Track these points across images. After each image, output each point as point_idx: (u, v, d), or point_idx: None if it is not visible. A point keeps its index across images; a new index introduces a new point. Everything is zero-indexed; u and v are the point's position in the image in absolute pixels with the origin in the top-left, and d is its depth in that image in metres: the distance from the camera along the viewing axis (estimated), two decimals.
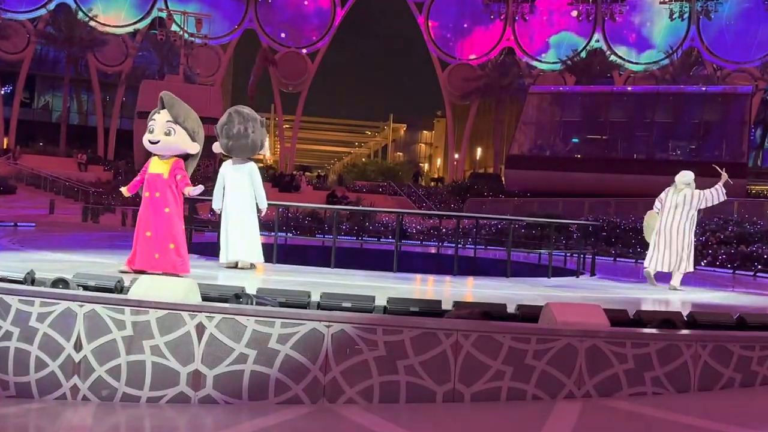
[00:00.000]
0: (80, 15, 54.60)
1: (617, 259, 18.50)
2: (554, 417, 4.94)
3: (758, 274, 15.72)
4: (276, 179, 44.67)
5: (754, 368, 5.93)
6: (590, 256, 13.84)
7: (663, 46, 54.04)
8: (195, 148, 8.06)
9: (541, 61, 57.84)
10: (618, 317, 6.24)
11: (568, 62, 54.29)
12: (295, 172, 52.58)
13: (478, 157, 71.91)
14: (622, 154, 40.40)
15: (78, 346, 5.01)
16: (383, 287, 8.43)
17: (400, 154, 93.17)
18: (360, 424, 4.66)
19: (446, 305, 6.35)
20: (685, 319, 6.65)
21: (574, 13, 56.94)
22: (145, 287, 5.42)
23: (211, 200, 10.23)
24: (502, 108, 58.02)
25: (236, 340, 5.02)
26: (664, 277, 11.47)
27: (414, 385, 5.14)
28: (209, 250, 11.63)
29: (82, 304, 5.06)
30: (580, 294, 9.59)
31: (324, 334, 5.06)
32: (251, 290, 6.13)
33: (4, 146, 52.61)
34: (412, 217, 25.55)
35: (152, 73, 53.00)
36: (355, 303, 6.12)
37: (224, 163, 10.06)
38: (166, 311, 5.04)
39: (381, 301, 6.29)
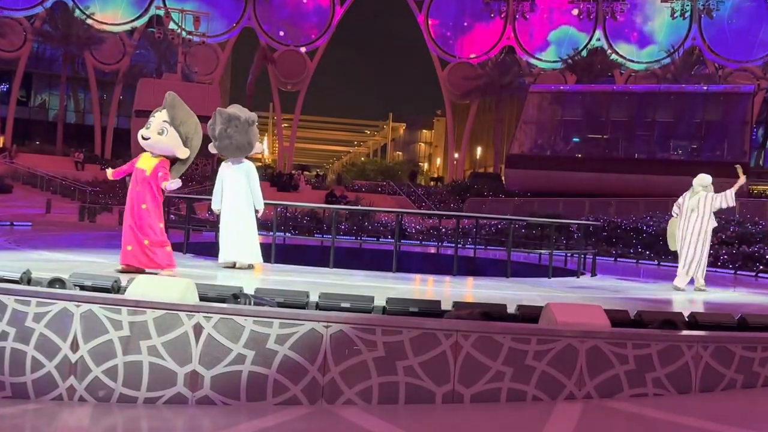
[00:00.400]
0: (77, 13, 54.59)
1: (618, 259, 18.50)
2: (555, 418, 4.94)
3: (760, 274, 15.72)
4: (274, 178, 44.65)
5: (756, 369, 5.93)
6: (591, 256, 13.84)
7: (664, 45, 54.08)
8: (185, 153, 8.10)
9: (541, 60, 57.85)
10: (619, 318, 6.24)
11: (569, 61, 54.32)
12: (293, 172, 52.57)
13: (478, 157, 71.94)
14: (623, 153, 40.42)
15: (74, 347, 5.01)
16: (382, 287, 8.43)
17: (400, 153, 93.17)
18: (359, 426, 4.66)
19: (446, 305, 6.35)
20: (686, 319, 6.65)
21: (575, 12, 56.97)
22: (142, 287, 5.41)
23: (208, 200, 10.22)
24: (502, 107, 58.06)
25: (234, 341, 5.02)
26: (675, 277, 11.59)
27: (413, 386, 5.13)
28: (207, 249, 11.62)
29: (79, 304, 5.06)
30: (580, 294, 9.59)
31: (322, 334, 5.06)
32: (249, 290, 6.13)
33: (0, 145, 52.58)
34: (411, 216, 25.55)
35: (150, 72, 52.97)
36: (353, 303, 6.12)
37: (223, 163, 10.05)
38: (164, 311, 5.03)
39: (380, 302, 6.29)
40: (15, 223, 16.81)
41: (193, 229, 13.68)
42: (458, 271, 11.52)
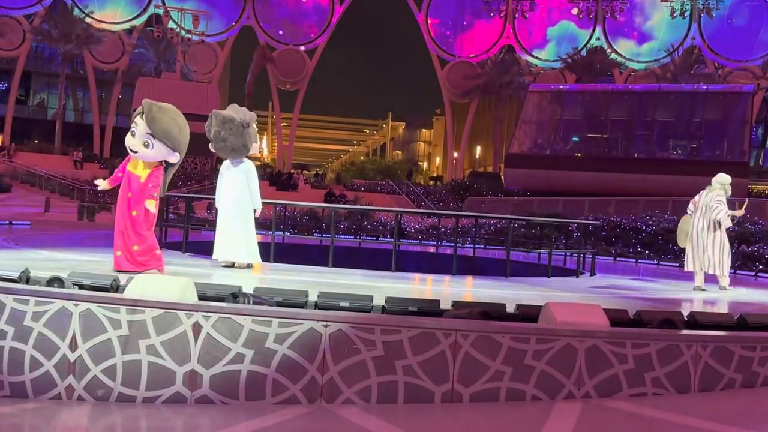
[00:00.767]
0: (76, 11, 54.59)
1: (617, 258, 18.51)
2: (554, 418, 4.94)
3: (759, 274, 15.73)
4: (273, 177, 44.65)
5: (755, 369, 5.93)
6: (590, 256, 13.84)
7: (664, 44, 54.11)
8: (176, 158, 8.06)
9: (540, 59, 57.86)
10: (618, 317, 6.24)
11: (569, 60, 54.33)
12: (292, 171, 52.58)
13: (477, 156, 71.94)
14: (623, 153, 40.43)
15: (73, 346, 5.00)
16: (381, 287, 8.43)
17: (399, 152, 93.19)
18: (358, 425, 4.66)
19: (445, 305, 6.35)
20: (686, 319, 6.65)
21: (575, 11, 57.01)
22: (141, 286, 5.41)
23: (207, 199, 10.22)
24: (501, 106, 58.08)
25: (233, 340, 5.02)
26: (688, 277, 11.62)
27: (412, 385, 5.13)
28: (206, 249, 11.61)
29: (78, 303, 5.05)
30: (579, 294, 9.59)
31: (322, 333, 5.06)
32: (248, 289, 6.13)
33: None
34: (410, 216, 25.55)
35: (149, 71, 52.97)
36: (353, 302, 6.12)
37: (223, 162, 10.04)
38: (162, 310, 5.03)
39: (379, 301, 6.29)
40: (14, 222, 16.80)
41: (191, 229, 13.67)
42: (457, 270, 11.52)
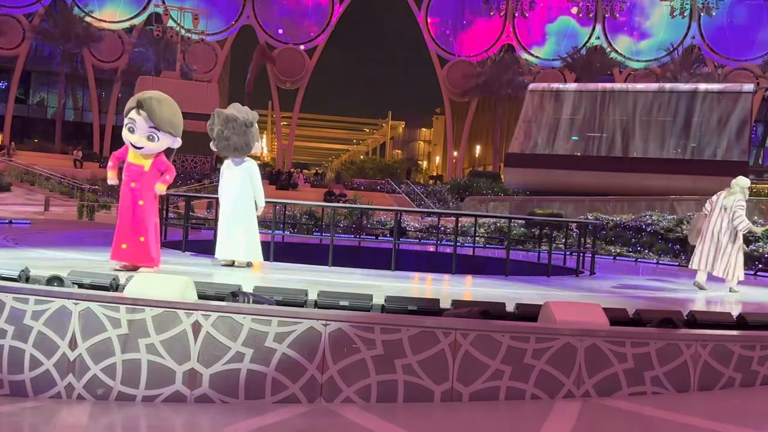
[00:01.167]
0: (76, 11, 54.58)
1: (617, 257, 18.51)
2: (553, 417, 4.94)
3: (759, 273, 15.72)
4: (273, 177, 44.65)
5: (755, 368, 5.94)
6: (590, 255, 13.84)
7: (664, 44, 54.13)
8: (178, 143, 8.03)
9: (539, 58, 57.84)
10: (617, 316, 6.24)
11: (569, 59, 54.36)
12: (292, 170, 52.56)
13: (477, 155, 71.93)
14: (622, 152, 40.40)
15: (73, 345, 5.01)
16: (381, 285, 8.43)
17: (399, 151, 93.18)
18: (357, 424, 4.66)
19: (445, 304, 6.34)
20: (685, 318, 6.65)
21: (574, 10, 57.01)
22: (141, 285, 5.41)
23: (206, 198, 10.20)
24: (501, 105, 58.08)
25: (233, 339, 5.02)
26: (690, 275, 11.61)
27: (412, 384, 5.14)
28: (205, 247, 11.61)
29: (77, 302, 5.06)
30: (579, 293, 9.59)
31: (321, 332, 5.06)
32: (248, 288, 6.12)
33: None
34: (410, 215, 25.54)
35: (148, 70, 52.96)
36: (352, 301, 6.11)
37: (224, 162, 10.03)
38: (162, 309, 5.03)
39: (379, 300, 6.28)
40: (13, 221, 16.78)
41: (191, 227, 13.67)
42: (457, 269, 11.51)
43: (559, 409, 5.12)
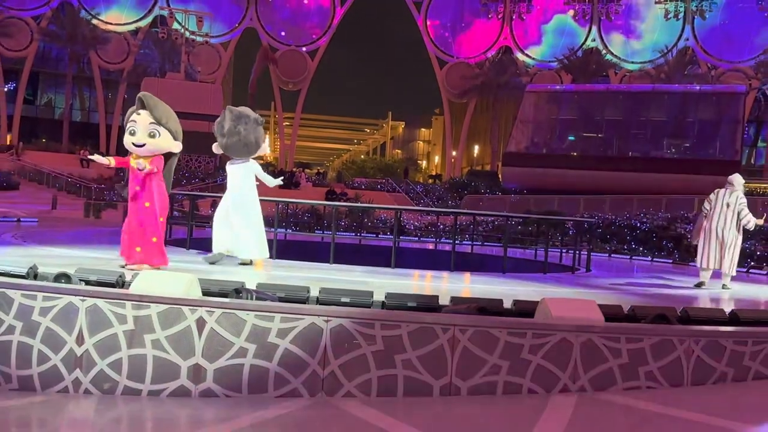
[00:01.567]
0: (83, 13, 54.59)
1: (612, 255, 18.51)
2: (550, 410, 4.94)
3: (751, 270, 15.73)
4: (276, 176, 44.63)
5: (747, 363, 5.94)
6: (585, 253, 13.84)
7: (658, 46, 54.11)
8: (178, 146, 8.02)
9: (536, 59, 57.81)
10: (612, 312, 6.24)
11: (565, 61, 54.34)
12: (294, 169, 52.54)
13: (475, 155, 71.89)
14: (618, 152, 40.42)
15: (80, 340, 5.01)
16: (381, 283, 8.43)
17: (399, 151, 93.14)
18: (358, 417, 4.66)
19: (443, 300, 6.35)
20: (679, 314, 6.66)
21: (571, 13, 56.99)
22: (146, 282, 5.41)
23: (211, 197, 10.17)
24: (499, 106, 58.03)
25: (236, 335, 5.02)
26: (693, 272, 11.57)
27: (411, 379, 5.14)
28: (209, 246, 11.59)
29: (84, 298, 5.06)
30: (575, 290, 9.59)
31: (323, 328, 5.06)
32: (251, 285, 6.13)
33: (8, 142, 52.59)
34: (410, 213, 25.53)
35: (154, 71, 52.95)
36: (353, 298, 6.12)
37: (228, 163, 10.02)
38: (167, 306, 5.04)
39: (379, 297, 6.29)
40: (22, 219, 16.79)
41: (195, 226, 13.67)
42: (456, 266, 11.51)
43: (556, 403, 5.12)
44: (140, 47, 56.89)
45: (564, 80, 54.08)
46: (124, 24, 57.21)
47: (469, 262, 14.04)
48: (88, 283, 5.93)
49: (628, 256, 18.22)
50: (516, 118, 45.10)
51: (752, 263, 16.09)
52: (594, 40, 56.60)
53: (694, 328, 6.04)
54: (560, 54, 55.06)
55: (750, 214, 11.22)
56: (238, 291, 5.82)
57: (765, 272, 15.27)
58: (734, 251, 11.20)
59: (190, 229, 12.70)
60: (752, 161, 54.58)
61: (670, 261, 17.12)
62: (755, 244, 17.58)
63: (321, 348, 5.05)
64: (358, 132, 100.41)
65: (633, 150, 40.45)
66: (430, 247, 17.81)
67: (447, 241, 16.41)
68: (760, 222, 11.68)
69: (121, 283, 6.15)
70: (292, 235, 16.54)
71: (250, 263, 9.77)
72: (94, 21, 54.68)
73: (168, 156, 8.09)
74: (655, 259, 17.51)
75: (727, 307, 7.37)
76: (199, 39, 51.72)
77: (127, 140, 7.87)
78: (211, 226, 10.17)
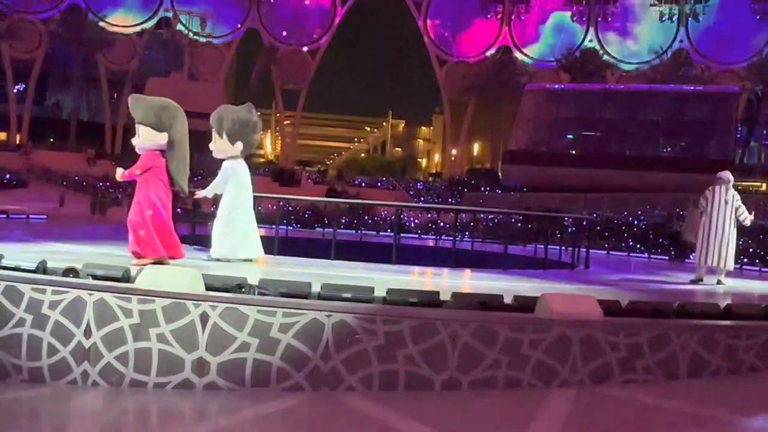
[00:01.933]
0: (90, 16, 54.64)
1: (610, 252, 18.46)
2: (549, 404, 4.94)
3: (744, 267, 15.71)
4: (277, 174, 44.61)
5: (741, 356, 5.94)
6: (585, 249, 13.82)
7: (654, 47, 54.10)
8: (163, 137, 7.87)
9: (535, 58, 57.80)
10: (611, 308, 6.22)
11: (564, 61, 54.31)
12: (295, 167, 52.51)
13: (475, 153, 71.82)
14: (616, 150, 40.38)
15: (88, 333, 5.01)
16: (382, 279, 8.40)
17: (399, 149, 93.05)
18: (359, 411, 4.66)
19: (444, 296, 6.32)
20: (675, 309, 6.64)
21: (568, 14, 57.03)
22: (151, 277, 5.41)
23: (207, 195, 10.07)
24: (498, 105, 57.96)
25: (239, 329, 5.02)
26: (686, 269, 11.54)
27: (413, 373, 5.13)
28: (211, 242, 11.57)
29: (92, 292, 5.07)
30: (574, 286, 9.58)
31: (324, 323, 5.05)
32: (253, 281, 6.12)
33: (18, 142, 52.66)
34: (410, 210, 25.48)
35: (158, 72, 52.96)
36: (354, 294, 6.09)
37: (240, 159, 9.93)
38: (172, 300, 5.04)
39: (380, 292, 6.27)
40: (31, 216, 16.78)
41: (198, 222, 13.66)
42: (456, 263, 11.49)
43: (555, 396, 5.12)
44: (145, 48, 56.87)
45: (562, 80, 54.01)
46: (130, 26, 57.20)
47: (470, 258, 14.00)
48: (95, 277, 5.92)
49: (626, 253, 18.19)
50: (516, 117, 45.08)
51: (745, 259, 16.07)
52: (591, 40, 56.58)
53: (690, 323, 6.03)
54: (558, 54, 55.02)
55: (746, 212, 11.18)
56: (241, 286, 5.81)
57: (758, 268, 15.25)
58: (732, 247, 11.16)
59: (192, 226, 12.70)
60: (745, 160, 54.55)
61: (667, 258, 17.09)
62: (748, 241, 17.55)
63: (323, 342, 5.04)
64: (358, 130, 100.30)
65: (630, 149, 40.41)
66: (431, 243, 17.79)
67: (448, 238, 16.40)
68: (751, 218, 11.66)
69: (127, 278, 6.14)
70: (294, 232, 16.52)
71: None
72: (101, 23, 54.67)
73: (164, 150, 8.00)
74: (652, 256, 17.49)
75: (722, 302, 7.36)
76: (202, 40, 51.69)
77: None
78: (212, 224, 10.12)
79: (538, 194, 33.00)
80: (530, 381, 5.30)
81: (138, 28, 57.44)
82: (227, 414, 4.63)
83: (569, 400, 5.06)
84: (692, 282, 11.15)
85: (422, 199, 41.46)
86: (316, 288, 6.21)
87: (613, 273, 12.61)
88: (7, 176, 33.68)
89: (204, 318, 5.02)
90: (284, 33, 60.46)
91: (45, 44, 55.48)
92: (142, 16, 57.33)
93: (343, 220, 19.60)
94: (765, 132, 54.68)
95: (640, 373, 5.56)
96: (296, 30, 60.49)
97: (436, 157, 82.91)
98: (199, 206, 14.96)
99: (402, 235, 15.02)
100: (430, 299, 6.21)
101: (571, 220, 16.74)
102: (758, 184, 43.28)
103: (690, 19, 54.10)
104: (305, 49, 60.64)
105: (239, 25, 59.48)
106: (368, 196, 37.06)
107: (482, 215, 21.25)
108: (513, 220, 19.49)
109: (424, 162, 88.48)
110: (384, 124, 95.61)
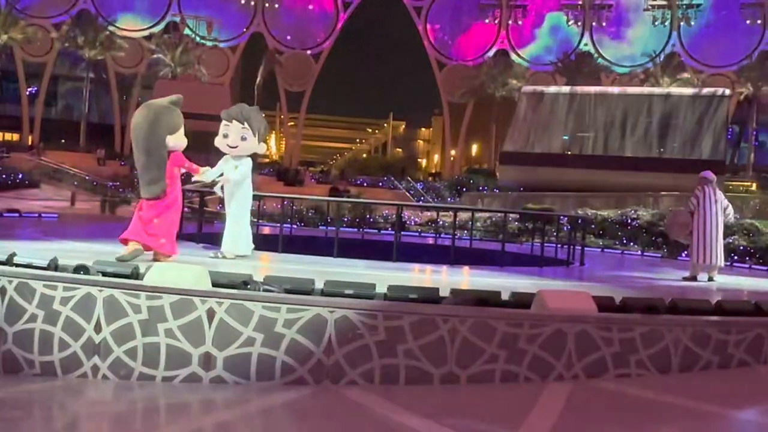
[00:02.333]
0: (100, 20, 54.68)
1: (605, 250, 18.47)
2: (545, 397, 4.95)
3: (734, 264, 15.70)
4: (281, 174, 44.63)
5: (731, 351, 5.94)
6: (579, 247, 13.81)
7: (647, 51, 54.11)
8: (171, 141, 8.21)
9: (531, 62, 57.78)
10: (605, 304, 6.23)
11: (559, 64, 54.31)
12: (299, 167, 52.50)
13: (473, 154, 71.76)
14: (609, 151, 40.31)
15: (98, 328, 5.02)
16: (383, 276, 8.39)
17: (399, 150, 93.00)
18: (361, 404, 4.67)
19: (444, 293, 6.33)
20: (668, 305, 6.65)
21: (564, 18, 57.04)
22: (159, 274, 5.42)
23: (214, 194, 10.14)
24: (496, 107, 57.92)
25: (244, 324, 5.02)
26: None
27: (413, 367, 5.13)
28: (218, 240, 11.57)
29: (102, 289, 5.08)
30: (570, 282, 9.58)
31: (327, 319, 5.06)
32: (258, 278, 6.12)
33: (29, 143, 52.70)
34: (411, 209, 25.46)
35: (166, 74, 52.98)
36: (356, 290, 6.10)
37: (247, 157, 10.04)
38: (179, 296, 5.04)
39: (381, 289, 6.27)
40: (43, 215, 16.79)
41: (205, 221, 13.67)
42: (455, 260, 11.49)
43: (551, 390, 5.12)
44: (153, 52, 56.88)
45: (558, 82, 53.97)
46: (139, 30, 57.24)
47: (468, 256, 14.00)
48: (105, 274, 5.93)
49: (620, 251, 18.19)
50: (512, 118, 45.00)
51: (735, 257, 16.06)
52: (586, 44, 56.59)
53: (682, 318, 6.03)
54: (554, 57, 55.04)
55: (731, 210, 11.23)
56: (246, 283, 5.82)
57: (748, 265, 15.25)
58: (722, 244, 11.19)
59: (199, 224, 12.71)
60: (735, 161, 54.52)
61: (660, 255, 17.09)
62: (737, 239, 17.53)
63: (326, 338, 5.04)
64: (360, 131, 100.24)
65: (624, 149, 40.34)
66: (431, 241, 17.78)
67: (447, 236, 16.39)
68: (735, 214, 11.73)
69: (136, 275, 6.15)
70: (297, 230, 16.53)
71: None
72: (111, 28, 54.71)
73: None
74: (645, 254, 17.49)
75: (713, 298, 7.36)
76: (208, 43, 51.68)
77: None
78: (221, 222, 10.15)
79: (535, 194, 32.99)
80: (527, 375, 5.30)
81: (146, 33, 57.47)
82: (233, 407, 4.64)
83: (564, 393, 5.06)
84: (686, 279, 11.12)
85: (422, 198, 41.48)
86: (319, 284, 6.22)
87: (607, 270, 12.61)
88: (20, 176, 33.70)
89: (210, 314, 5.02)
90: (288, 37, 60.47)
91: (56, 48, 55.51)
92: (150, 20, 57.36)
93: (346, 219, 19.59)
94: (755, 133, 54.69)
95: (633, 368, 5.56)
96: (300, 34, 60.51)
97: (436, 158, 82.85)
98: (206, 205, 14.96)
99: (403, 233, 15.01)
100: (429, 295, 6.21)
101: (566, 218, 16.73)
102: (748, 183, 43.27)
103: (682, 23, 54.15)
104: (309, 52, 60.64)
105: (244, 30, 59.50)
106: (370, 195, 37.06)
107: (480, 214, 21.23)
108: (511, 219, 19.47)
109: (424, 162, 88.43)
110: (385, 125, 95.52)
